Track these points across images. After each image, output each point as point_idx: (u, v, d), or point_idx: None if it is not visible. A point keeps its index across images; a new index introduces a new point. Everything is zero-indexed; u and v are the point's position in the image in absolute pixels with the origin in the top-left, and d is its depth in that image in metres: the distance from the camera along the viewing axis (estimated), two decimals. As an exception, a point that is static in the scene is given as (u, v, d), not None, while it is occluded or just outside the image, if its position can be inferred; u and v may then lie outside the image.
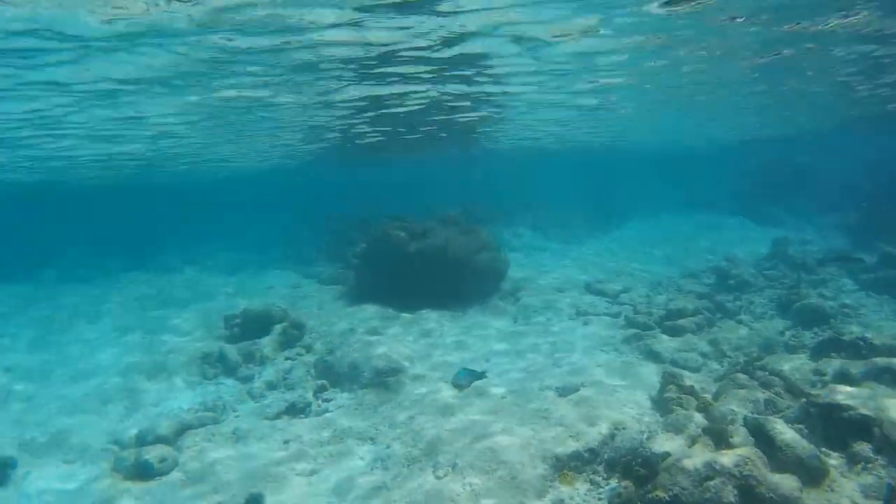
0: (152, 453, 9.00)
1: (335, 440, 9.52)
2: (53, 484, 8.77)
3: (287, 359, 13.03)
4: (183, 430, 10.01)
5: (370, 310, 15.30)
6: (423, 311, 15.01)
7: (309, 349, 13.40)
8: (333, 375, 12.08)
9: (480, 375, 6.03)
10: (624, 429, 8.75)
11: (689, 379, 10.11)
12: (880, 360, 8.84)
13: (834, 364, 9.22)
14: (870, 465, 6.68)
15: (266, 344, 13.43)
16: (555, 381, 11.00)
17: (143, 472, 8.83)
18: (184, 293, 19.69)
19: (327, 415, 10.68)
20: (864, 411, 7.43)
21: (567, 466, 7.82)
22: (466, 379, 5.81)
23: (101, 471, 9.05)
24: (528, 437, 8.63)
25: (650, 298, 16.00)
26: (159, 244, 26.53)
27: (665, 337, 12.90)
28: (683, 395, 9.69)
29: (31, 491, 8.59)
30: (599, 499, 7.32)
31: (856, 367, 8.86)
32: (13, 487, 8.71)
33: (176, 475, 8.80)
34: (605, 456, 8.10)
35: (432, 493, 7.59)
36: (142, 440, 9.62)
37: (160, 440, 9.55)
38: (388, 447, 9.08)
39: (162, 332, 15.72)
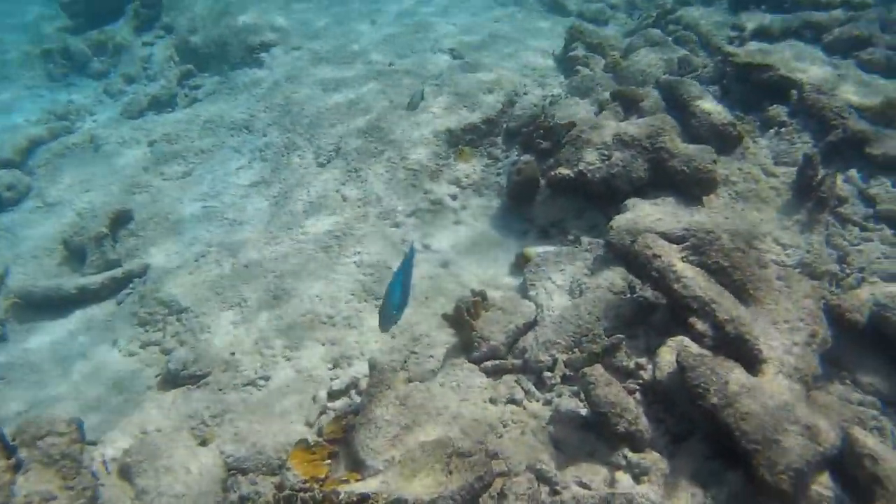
0: None
1: (206, 132, 8.30)
2: None
3: (145, 44, 10.88)
4: (32, 146, 8.54)
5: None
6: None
7: (170, 30, 11.10)
8: (200, 57, 10.25)
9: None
10: (525, 94, 7.88)
11: (597, 35, 9.05)
12: (803, 15, 8.00)
13: (754, 18, 8.32)
14: (783, 130, 6.26)
15: (118, 30, 11.15)
16: (448, 41, 9.69)
17: None
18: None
19: (196, 104, 9.22)
20: (783, 72, 6.81)
21: (463, 141, 7.02)
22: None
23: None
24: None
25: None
26: None
27: (571, -15, 11.44)
28: (590, 54, 8.78)
29: None
30: (498, 174, 6.71)
31: (777, 23, 8.01)
32: None
33: (30, 203, 7.52)
34: (504, 126, 7.33)
35: (317, 182, 6.73)
36: None
37: (5, 165, 8.11)
38: (265, 135, 7.92)
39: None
